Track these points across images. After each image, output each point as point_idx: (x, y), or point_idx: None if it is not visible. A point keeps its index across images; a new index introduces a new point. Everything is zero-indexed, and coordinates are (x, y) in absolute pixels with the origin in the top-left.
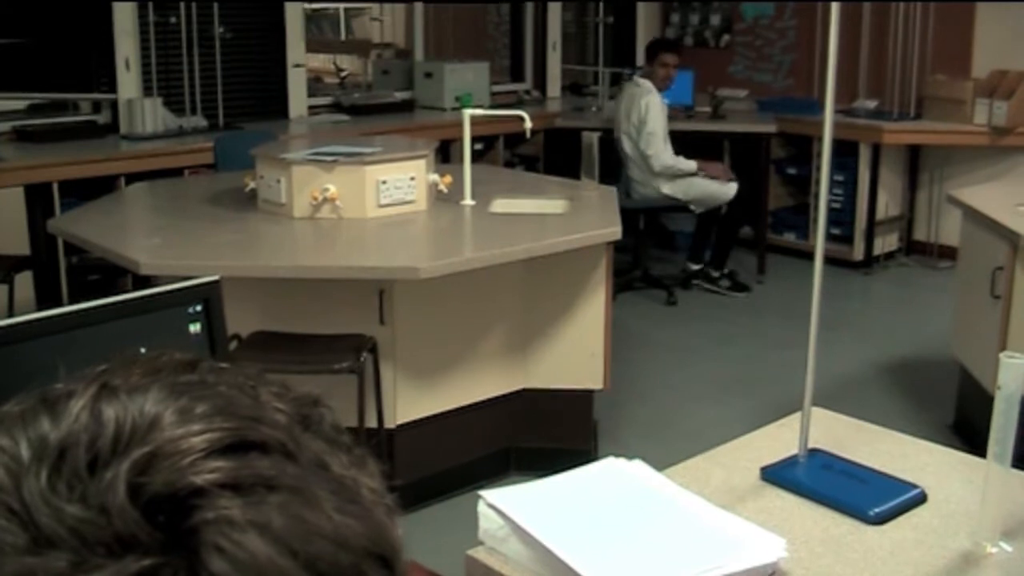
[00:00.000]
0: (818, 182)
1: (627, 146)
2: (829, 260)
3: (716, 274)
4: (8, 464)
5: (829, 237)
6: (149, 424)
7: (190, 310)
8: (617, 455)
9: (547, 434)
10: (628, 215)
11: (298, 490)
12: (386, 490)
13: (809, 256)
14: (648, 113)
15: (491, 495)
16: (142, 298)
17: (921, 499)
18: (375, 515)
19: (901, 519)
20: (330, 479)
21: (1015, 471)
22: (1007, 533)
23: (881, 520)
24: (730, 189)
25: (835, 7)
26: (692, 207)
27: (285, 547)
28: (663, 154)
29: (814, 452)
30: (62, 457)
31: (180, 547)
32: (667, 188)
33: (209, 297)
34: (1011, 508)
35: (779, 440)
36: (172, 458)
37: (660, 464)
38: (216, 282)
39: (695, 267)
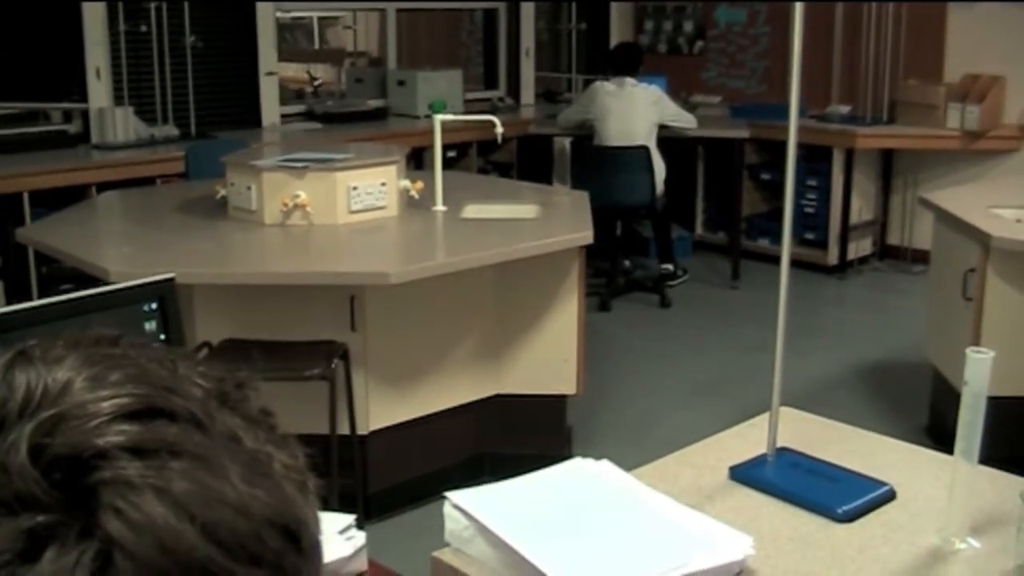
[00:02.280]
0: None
1: (650, 147)
2: (803, 265)
3: (672, 268)
4: None
5: (803, 242)
6: (60, 389)
7: (145, 308)
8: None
9: (521, 440)
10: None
11: (202, 458)
12: (307, 470)
13: None
14: (666, 96)
15: (456, 496)
16: (96, 295)
17: (890, 496)
18: (283, 488)
19: (870, 516)
20: (240, 451)
21: (982, 467)
22: (975, 529)
23: (849, 518)
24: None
25: (798, 7)
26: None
27: (183, 511)
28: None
29: (783, 451)
30: None
31: (78, 507)
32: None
33: (164, 295)
34: (978, 504)
35: (748, 440)
36: (78, 420)
37: (634, 467)
38: (171, 279)
39: (670, 268)
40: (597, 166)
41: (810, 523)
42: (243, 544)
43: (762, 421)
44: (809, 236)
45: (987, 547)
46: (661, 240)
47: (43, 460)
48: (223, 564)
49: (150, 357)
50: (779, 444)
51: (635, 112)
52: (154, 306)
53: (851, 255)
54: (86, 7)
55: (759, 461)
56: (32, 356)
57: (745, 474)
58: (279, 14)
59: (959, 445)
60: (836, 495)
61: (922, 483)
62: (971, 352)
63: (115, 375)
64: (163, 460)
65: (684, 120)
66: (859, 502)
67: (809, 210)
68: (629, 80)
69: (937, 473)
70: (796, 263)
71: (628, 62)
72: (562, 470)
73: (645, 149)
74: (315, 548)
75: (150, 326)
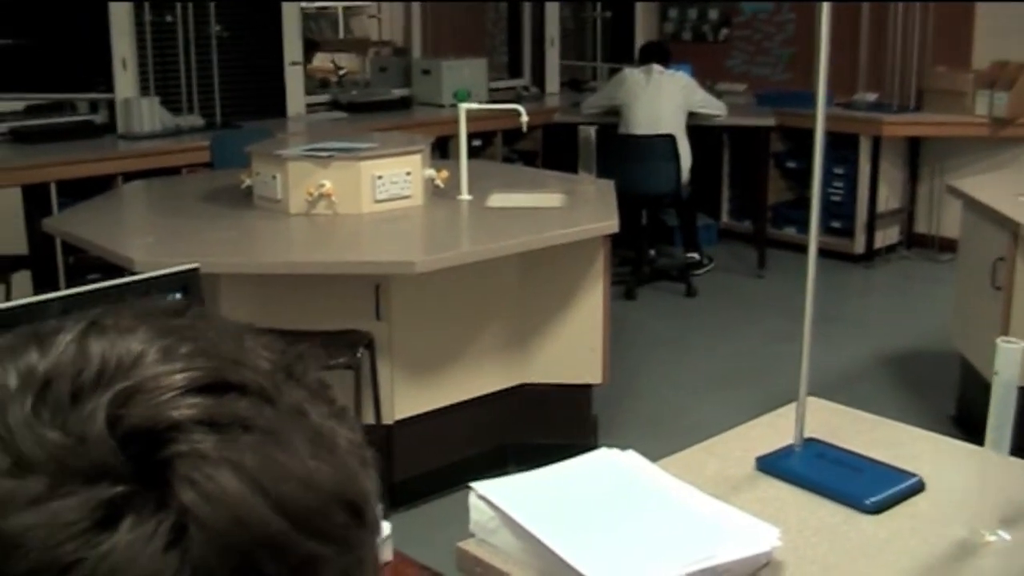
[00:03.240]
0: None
1: (676, 135)
2: (830, 254)
3: (698, 257)
4: None
5: (830, 231)
6: (133, 361)
7: (170, 298)
8: (619, 449)
9: (546, 429)
10: (633, 210)
11: (273, 432)
12: (365, 444)
13: None
14: (694, 82)
15: (481, 486)
16: (120, 286)
17: (918, 488)
18: (348, 464)
19: (898, 508)
20: (307, 426)
21: (1013, 459)
22: (1005, 521)
23: (877, 509)
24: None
25: (825, 7)
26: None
27: (256, 485)
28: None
29: (810, 441)
30: (47, 387)
31: (153, 478)
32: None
33: (188, 284)
34: (1009, 496)
35: (775, 430)
36: (152, 393)
37: (660, 458)
38: (195, 270)
39: (695, 256)
40: (622, 154)
41: (837, 514)
42: (311, 519)
43: (788, 411)
44: (836, 224)
45: (1017, 539)
46: (687, 228)
47: (119, 431)
48: (293, 538)
49: (217, 329)
50: (806, 434)
51: (663, 99)
52: (179, 296)
53: (878, 244)
54: None
55: (786, 452)
56: (105, 326)
57: (772, 465)
58: (304, 5)
59: (989, 436)
60: (864, 486)
61: (951, 474)
62: (1002, 342)
63: (185, 347)
64: (235, 434)
65: (713, 107)
66: (887, 493)
67: (836, 198)
68: (657, 67)
69: (966, 464)
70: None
71: (656, 54)
72: (588, 460)
73: (671, 138)
74: (377, 523)
75: None
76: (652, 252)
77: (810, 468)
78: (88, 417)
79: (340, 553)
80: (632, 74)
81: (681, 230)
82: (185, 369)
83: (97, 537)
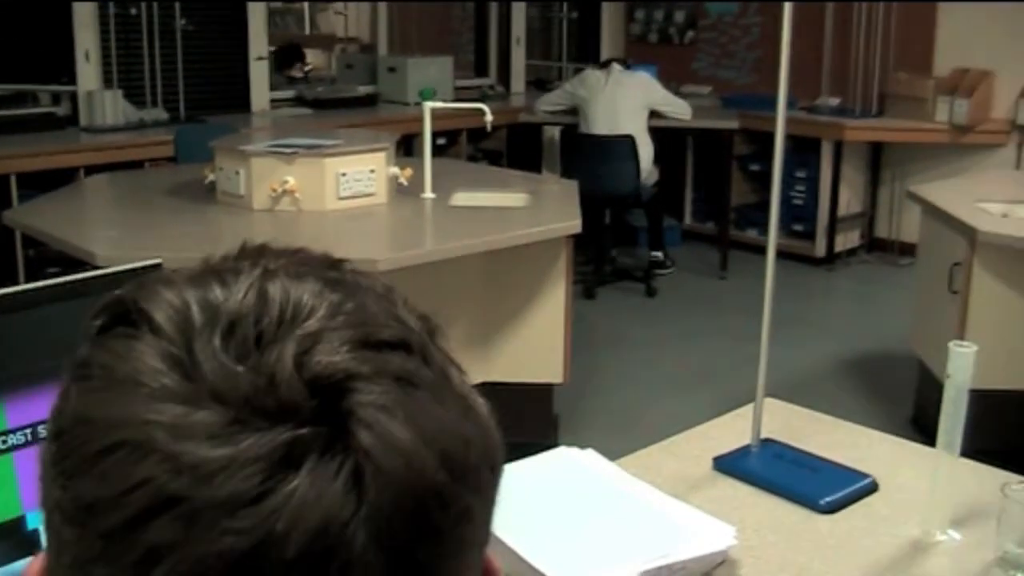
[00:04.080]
0: (781, 178)
1: (636, 135)
2: (791, 256)
3: (662, 257)
4: (176, 320)
5: (792, 233)
6: (308, 312)
7: None
8: (579, 448)
9: (508, 428)
10: (595, 210)
11: (434, 390)
12: (492, 410)
13: None
14: (656, 82)
15: None
16: (82, 280)
17: (872, 488)
18: (491, 427)
19: (852, 508)
20: (453, 388)
21: (964, 460)
22: (955, 521)
23: (832, 509)
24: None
25: (787, 7)
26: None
27: (427, 438)
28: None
29: (767, 442)
30: (232, 328)
31: (335, 423)
32: (651, 179)
33: None
34: (960, 497)
35: (733, 430)
36: (331, 343)
37: (620, 456)
38: (158, 265)
39: (659, 256)
40: (583, 154)
41: (793, 514)
42: (468, 475)
43: (747, 412)
44: (797, 228)
45: (968, 539)
46: (653, 229)
47: (305, 375)
48: (455, 490)
49: (372, 288)
50: (764, 435)
51: (621, 98)
52: None
53: (839, 247)
54: None
55: (743, 452)
56: (277, 273)
57: (729, 465)
58: (271, 3)
59: (941, 438)
60: (819, 486)
61: (905, 475)
62: (954, 346)
63: (351, 303)
64: (407, 390)
65: (676, 106)
66: (841, 493)
67: (797, 202)
68: (617, 67)
69: (920, 465)
70: (784, 254)
71: (619, 61)
72: (547, 459)
73: (630, 138)
74: (500, 483)
75: None
76: (614, 252)
77: (766, 468)
78: (277, 359)
79: (484, 504)
80: (592, 74)
81: (648, 230)
82: (357, 324)
83: (283, 473)
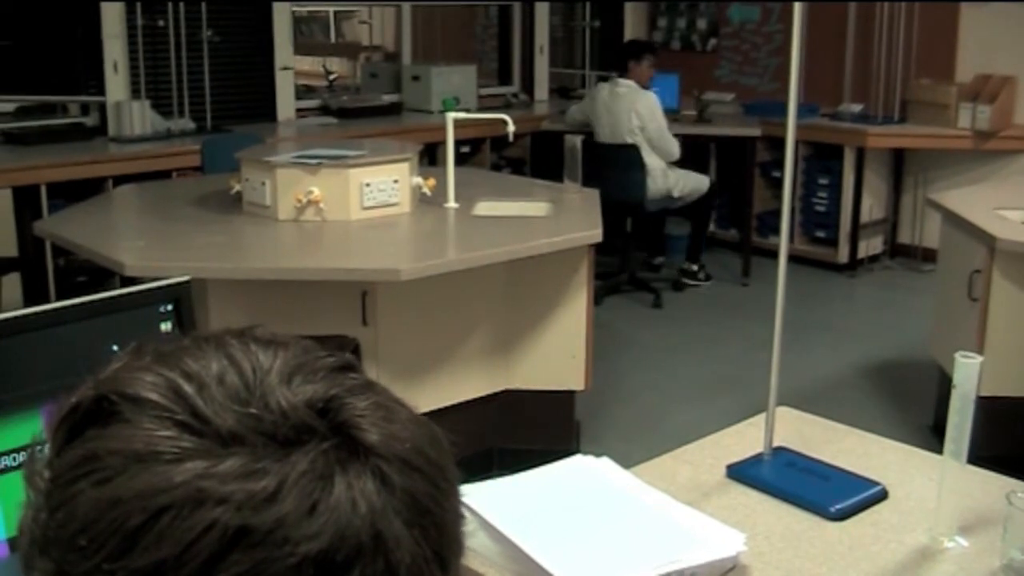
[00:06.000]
0: (803, 185)
1: (639, 145)
2: (814, 262)
3: (695, 268)
4: (168, 394)
5: (814, 240)
6: (270, 359)
7: (161, 309)
8: (598, 455)
9: (529, 435)
10: (616, 218)
11: (387, 395)
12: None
13: (794, 259)
14: (657, 111)
15: None
16: (112, 298)
17: (882, 496)
18: (428, 425)
19: (861, 515)
20: (390, 393)
21: (972, 468)
22: (963, 528)
23: (842, 516)
24: (704, 179)
25: (797, 7)
26: (681, 201)
27: (409, 426)
28: (676, 146)
29: (779, 450)
30: (221, 384)
31: (342, 433)
32: (677, 188)
33: (180, 296)
34: (967, 504)
35: (746, 438)
36: (304, 375)
37: (641, 463)
38: (187, 282)
39: (694, 267)
40: (594, 163)
41: (803, 521)
42: (443, 446)
43: (760, 420)
44: (820, 234)
45: (974, 546)
46: (694, 238)
47: (304, 403)
48: (439, 461)
49: (291, 340)
50: (776, 443)
51: (621, 112)
52: (170, 307)
53: (862, 253)
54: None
55: (755, 460)
56: (227, 342)
57: (741, 472)
58: (295, 8)
59: (948, 446)
60: (829, 494)
61: (914, 483)
62: (960, 356)
63: (293, 350)
64: (373, 397)
65: (665, 143)
66: (851, 501)
67: (820, 208)
68: (623, 82)
69: (930, 473)
70: (807, 261)
71: (632, 52)
72: (563, 467)
73: (634, 147)
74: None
75: (166, 327)
76: (657, 260)
77: (778, 476)
78: (275, 397)
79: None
80: (601, 88)
81: (688, 238)
82: (309, 361)
83: (323, 483)
